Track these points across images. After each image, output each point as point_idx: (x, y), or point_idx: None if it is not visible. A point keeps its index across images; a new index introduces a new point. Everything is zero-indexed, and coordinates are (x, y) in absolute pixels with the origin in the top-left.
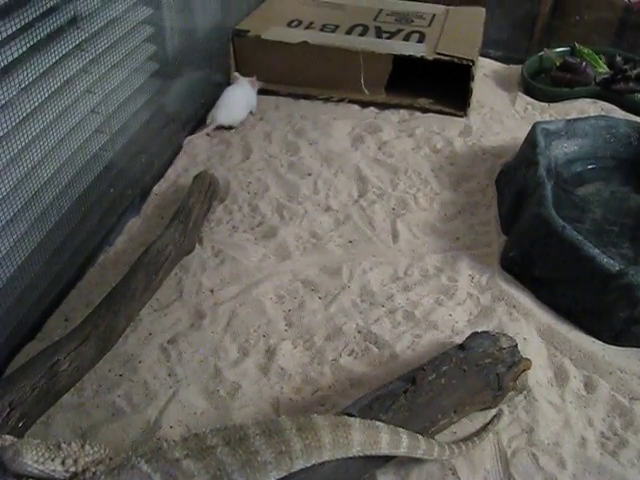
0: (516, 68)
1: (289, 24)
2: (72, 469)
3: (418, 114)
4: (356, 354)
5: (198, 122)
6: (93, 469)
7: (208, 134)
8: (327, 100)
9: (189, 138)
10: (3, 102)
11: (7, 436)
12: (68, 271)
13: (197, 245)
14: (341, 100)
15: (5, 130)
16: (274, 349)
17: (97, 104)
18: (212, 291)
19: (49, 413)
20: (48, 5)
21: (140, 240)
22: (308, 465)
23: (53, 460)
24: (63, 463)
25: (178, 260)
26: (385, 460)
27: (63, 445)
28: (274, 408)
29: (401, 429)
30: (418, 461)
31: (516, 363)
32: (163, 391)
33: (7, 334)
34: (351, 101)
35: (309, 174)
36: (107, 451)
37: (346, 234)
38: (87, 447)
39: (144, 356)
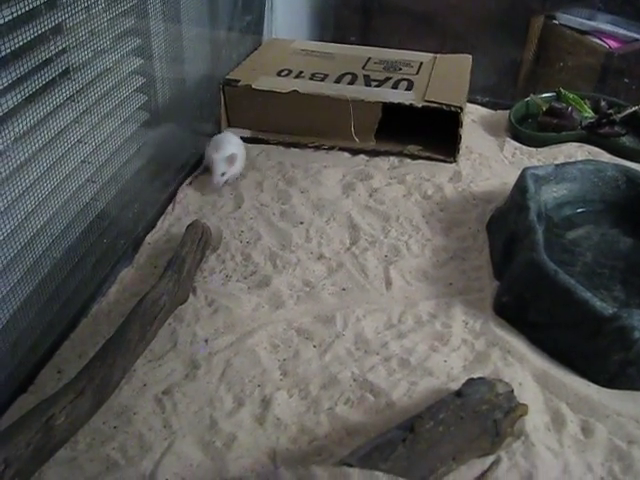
0: (503, 114)
1: (279, 73)
2: None
3: (408, 161)
4: (352, 403)
5: (189, 171)
6: None
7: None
8: (317, 148)
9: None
10: None
11: None
12: (60, 322)
13: (191, 295)
14: (331, 148)
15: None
16: (269, 399)
17: (88, 154)
18: (206, 341)
19: (41, 469)
20: (42, 58)
21: (133, 290)
22: None
23: None
24: None
25: (172, 310)
26: None
27: None
28: (271, 458)
29: (401, 479)
30: None
31: (513, 409)
32: (158, 443)
33: None
34: (341, 149)
35: (301, 222)
36: None
37: (339, 282)
38: None
39: (139, 407)
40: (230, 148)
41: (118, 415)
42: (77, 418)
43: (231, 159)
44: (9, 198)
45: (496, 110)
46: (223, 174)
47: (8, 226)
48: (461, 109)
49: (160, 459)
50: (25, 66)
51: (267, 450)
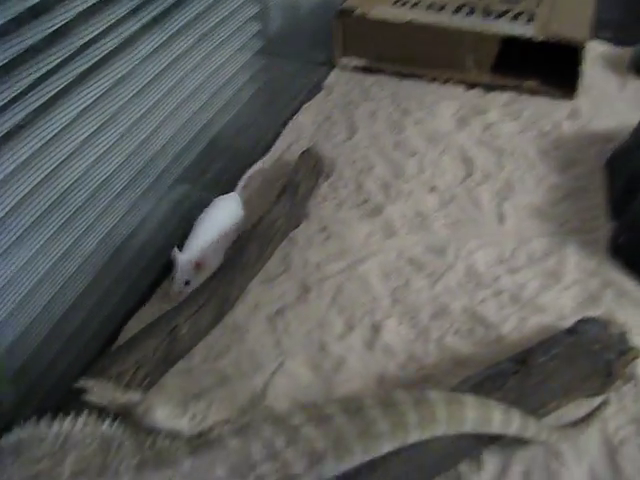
0: (627, 50)
1: (395, 3)
2: (199, 427)
3: (524, 96)
4: (461, 334)
5: (302, 99)
6: (219, 428)
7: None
8: (432, 80)
9: None
10: (122, 74)
11: (137, 392)
12: (177, 238)
13: (304, 220)
14: (446, 81)
15: (124, 100)
16: (379, 325)
17: (204, 81)
18: (318, 266)
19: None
20: None
21: (247, 212)
22: (422, 439)
23: (182, 417)
24: (191, 420)
25: (287, 234)
26: (491, 440)
27: (191, 403)
28: (379, 383)
29: (513, 409)
30: (523, 443)
31: (626, 351)
32: (269, 361)
33: (120, 296)
34: (456, 82)
35: (414, 154)
36: (232, 412)
37: (452, 214)
38: (214, 406)
39: (252, 326)
40: (202, 247)
41: (232, 332)
42: (198, 330)
43: (199, 265)
44: (137, 115)
45: (619, 46)
46: (187, 283)
47: (136, 141)
48: (583, 44)
49: (271, 377)
50: None
51: (376, 375)
